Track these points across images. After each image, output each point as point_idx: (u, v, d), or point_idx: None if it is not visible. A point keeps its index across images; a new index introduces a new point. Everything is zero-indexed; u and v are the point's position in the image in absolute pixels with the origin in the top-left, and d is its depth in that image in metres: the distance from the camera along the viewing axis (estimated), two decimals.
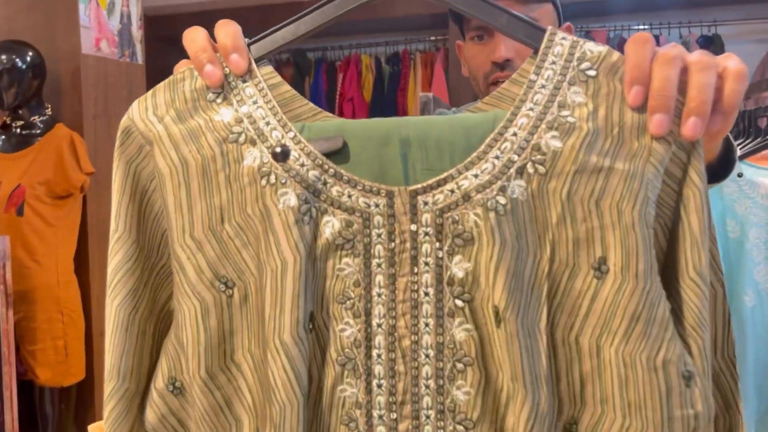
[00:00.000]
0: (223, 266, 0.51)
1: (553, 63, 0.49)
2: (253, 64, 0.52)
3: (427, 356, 0.49)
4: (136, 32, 2.68)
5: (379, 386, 0.50)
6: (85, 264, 2.48)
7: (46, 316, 2.24)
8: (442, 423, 0.49)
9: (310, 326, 0.50)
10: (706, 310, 0.48)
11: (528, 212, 0.48)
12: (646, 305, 0.46)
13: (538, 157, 0.48)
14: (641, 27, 3.52)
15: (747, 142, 2.05)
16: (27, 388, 2.26)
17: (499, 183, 0.47)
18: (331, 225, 0.49)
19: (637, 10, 3.52)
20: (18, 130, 2.35)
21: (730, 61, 0.48)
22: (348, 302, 0.50)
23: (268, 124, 0.51)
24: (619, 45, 3.52)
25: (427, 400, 0.49)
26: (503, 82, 0.76)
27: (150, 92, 0.53)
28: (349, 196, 0.49)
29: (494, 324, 0.47)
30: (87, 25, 2.47)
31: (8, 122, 2.38)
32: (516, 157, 0.48)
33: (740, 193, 1.91)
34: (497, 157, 0.48)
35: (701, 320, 0.47)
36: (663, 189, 0.48)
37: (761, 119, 2.07)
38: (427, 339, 0.49)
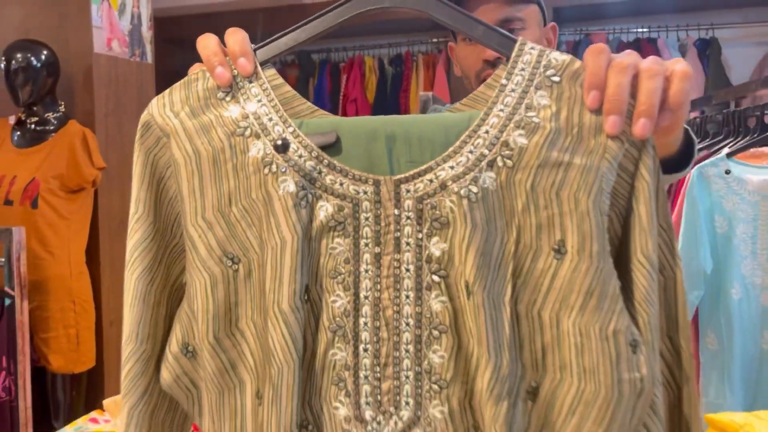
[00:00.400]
0: (230, 244, 0.57)
1: (522, 69, 0.55)
2: (259, 67, 0.58)
3: (407, 324, 0.55)
4: (146, 33, 2.74)
5: (365, 350, 0.55)
6: (96, 257, 2.53)
7: (59, 306, 2.30)
8: (419, 383, 0.55)
9: (305, 297, 0.55)
10: (653, 289, 0.53)
11: (497, 200, 0.54)
12: (599, 282, 0.52)
13: (507, 152, 0.54)
14: (640, 30, 3.56)
15: (737, 140, 2.10)
16: (40, 374, 2.31)
17: (472, 174, 0.53)
18: (324, 209, 0.55)
19: (636, 13, 3.54)
20: (32, 126, 2.41)
21: (677, 65, 0.54)
22: (339, 277, 0.56)
23: (270, 119, 0.57)
24: (618, 48, 3.57)
25: (406, 363, 0.55)
26: None
27: (167, 91, 0.59)
28: (341, 184, 0.55)
29: (466, 297, 0.53)
30: (99, 26, 2.52)
31: (23, 118, 2.44)
32: (487, 152, 0.54)
33: (728, 190, 1.95)
34: (471, 152, 0.54)
35: (648, 297, 0.53)
36: (618, 182, 0.54)
37: (750, 119, 2.11)
38: (407, 309, 0.55)
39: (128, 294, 0.60)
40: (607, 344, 0.51)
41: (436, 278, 0.54)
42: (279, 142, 0.55)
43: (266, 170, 0.56)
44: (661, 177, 0.55)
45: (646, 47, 3.54)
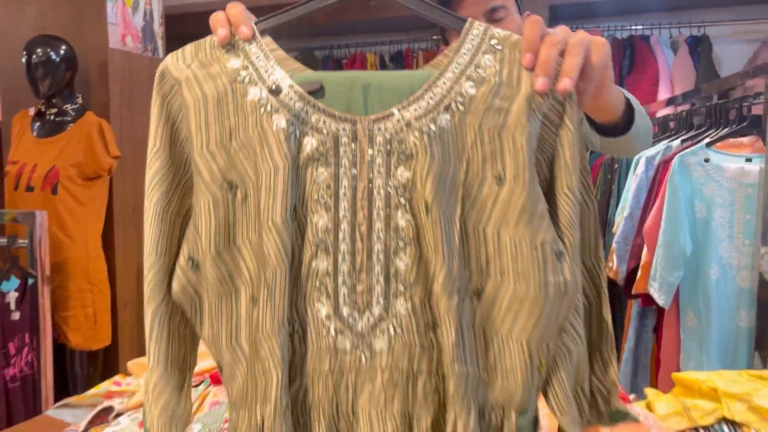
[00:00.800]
0: (229, 173, 0.66)
1: (472, 40, 0.67)
2: (257, 34, 0.70)
3: (378, 238, 0.66)
4: (158, 29, 2.85)
5: (344, 260, 0.66)
6: (111, 242, 2.65)
7: (77, 286, 2.43)
8: (388, 285, 0.66)
9: (294, 216, 0.65)
10: (576, 215, 0.65)
11: (451, 137, 0.65)
12: (529, 203, 0.63)
13: (460, 99, 0.65)
14: (633, 27, 3.65)
15: (719, 131, 2.21)
16: (59, 351, 2.44)
17: (432, 115, 0.65)
18: (310, 143, 0.65)
19: (629, 11, 3.61)
20: (52, 117, 2.54)
21: (597, 39, 0.67)
22: (321, 200, 0.65)
23: (266, 71, 0.67)
24: (612, 44, 3.68)
25: (377, 269, 0.66)
26: None
27: (180, 49, 0.70)
28: (324, 123, 0.65)
29: (425, 215, 0.64)
30: (114, 22, 2.64)
31: (43, 110, 2.56)
32: (444, 99, 0.65)
33: (707, 177, 2.05)
34: (431, 98, 0.65)
35: (572, 222, 0.65)
36: (546, 131, 0.65)
37: (731, 111, 2.21)
38: (378, 225, 0.66)
39: (148, 215, 0.70)
40: (536, 253, 0.63)
41: (402, 200, 0.65)
42: (273, 87, 0.66)
43: (262, 110, 0.66)
44: (581, 129, 0.67)
45: (639, 44, 3.64)
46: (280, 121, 0.65)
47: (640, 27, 3.63)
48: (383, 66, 3.96)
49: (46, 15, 2.71)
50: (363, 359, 0.66)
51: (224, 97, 0.67)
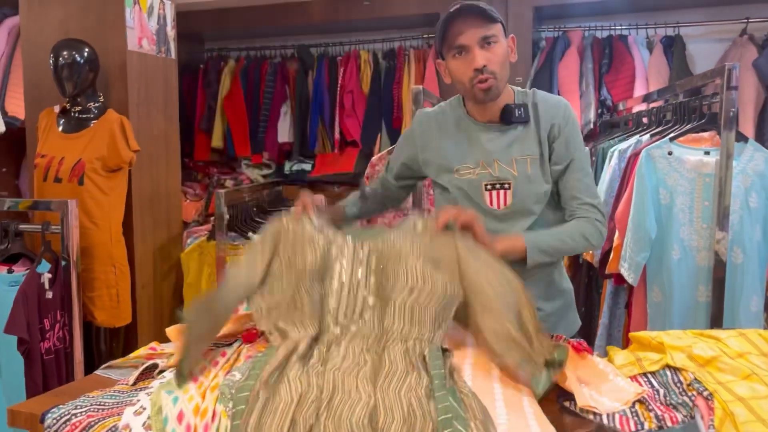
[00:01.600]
0: (293, 258, 1.33)
1: (412, 216, 1.39)
2: (316, 212, 1.40)
3: (360, 291, 1.30)
4: (170, 32, 3.03)
5: (343, 299, 1.30)
6: (130, 228, 2.84)
7: (102, 269, 2.63)
8: (362, 309, 1.30)
9: (322, 280, 1.31)
10: (477, 273, 1.30)
11: (395, 249, 1.32)
12: (433, 264, 1.30)
13: (401, 236, 1.34)
14: (612, 27, 3.86)
15: (683, 126, 2.44)
16: (86, 328, 2.64)
17: (388, 241, 1.34)
18: (334, 250, 1.34)
19: (608, 12, 3.80)
20: (76, 115, 2.72)
21: (468, 214, 1.36)
22: (336, 275, 1.32)
23: (317, 223, 1.38)
24: (592, 44, 3.90)
25: (359, 302, 1.30)
26: (484, 81, 1.49)
27: (283, 217, 1.41)
28: (339, 242, 1.35)
29: (385, 279, 1.29)
30: (131, 26, 2.82)
31: (68, 108, 2.74)
32: (392, 235, 1.35)
33: (670, 168, 2.28)
34: (389, 235, 1.36)
35: (475, 278, 1.29)
36: (446, 245, 1.30)
37: (695, 108, 2.44)
38: (361, 285, 1.30)
39: (252, 274, 1.34)
40: (437, 288, 1.27)
41: (372, 275, 1.31)
42: (319, 227, 1.37)
43: (313, 236, 1.36)
44: (469, 240, 1.33)
45: (617, 44, 3.85)
46: (320, 240, 1.36)
47: (619, 27, 3.80)
48: (376, 62, 4.11)
49: (70, 20, 2.87)
50: (345, 334, 1.25)
51: (298, 231, 1.36)
